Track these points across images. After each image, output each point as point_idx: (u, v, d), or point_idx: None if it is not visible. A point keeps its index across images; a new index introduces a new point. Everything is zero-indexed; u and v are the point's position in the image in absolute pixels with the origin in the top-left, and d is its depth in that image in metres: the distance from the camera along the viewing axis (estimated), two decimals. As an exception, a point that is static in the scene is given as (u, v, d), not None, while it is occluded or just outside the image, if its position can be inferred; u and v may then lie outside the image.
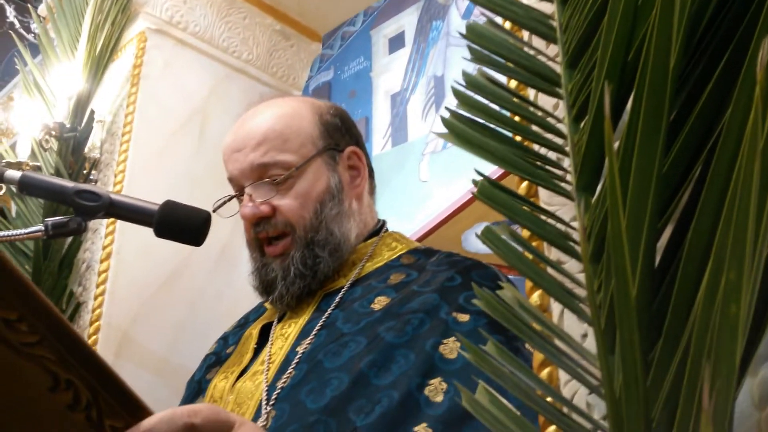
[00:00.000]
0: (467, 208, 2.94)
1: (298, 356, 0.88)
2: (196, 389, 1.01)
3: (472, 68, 0.61)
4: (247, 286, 1.64)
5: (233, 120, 1.76)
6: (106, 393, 0.42)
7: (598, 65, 0.51)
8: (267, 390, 0.87)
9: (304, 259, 0.95)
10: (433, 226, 2.99)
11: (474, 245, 2.93)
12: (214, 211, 1.05)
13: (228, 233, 1.62)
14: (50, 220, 0.95)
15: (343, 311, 0.92)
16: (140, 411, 0.43)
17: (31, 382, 0.42)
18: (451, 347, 0.80)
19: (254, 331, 1.02)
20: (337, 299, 0.95)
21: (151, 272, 1.47)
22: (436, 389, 0.76)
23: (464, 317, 0.83)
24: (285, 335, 0.95)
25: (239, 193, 1.01)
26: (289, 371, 0.87)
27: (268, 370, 0.90)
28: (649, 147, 0.40)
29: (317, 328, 0.91)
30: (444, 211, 3.13)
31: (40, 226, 0.96)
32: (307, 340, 0.90)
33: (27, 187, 0.98)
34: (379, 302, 0.90)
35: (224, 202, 1.05)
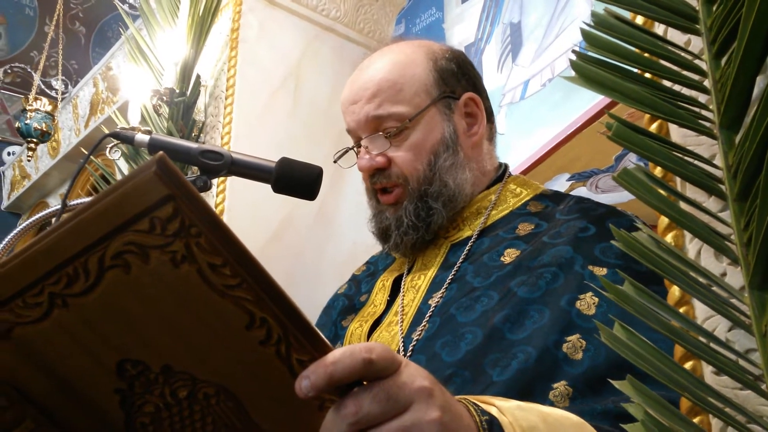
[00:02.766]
0: (547, 160, 2.88)
1: (430, 309, 0.88)
2: (333, 333, 1.03)
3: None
4: (345, 241, 1.70)
5: (325, 80, 1.80)
6: (295, 330, 0.46)
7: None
8: (403, 341, 0.87)
9: (417, 211, 0.95)
10: (513, 179, 2.95)
11: (555, 198, 2.89)
12: (334, 161, 1.06)
13: (324, 192, 1.68)
14: (178, 179, 1.01)
15: (472, 264, 0.91)
16: (324, 346, 0.47)
17: (230, 320, 0.46)
18: (588, 303, 0.77)
19: (386, 282, 1.02)
20: (465, 251, 0.94)
21: (259, 228, 1.56)
22: (574, 346, 0.74)
23: (601, 270, 0.80)
24: (416, 287, 0.95)
25: (357, 144, 1.01)
26: (423, 324, 0.86)
27: (402, 322, 0.90)
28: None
29: (448, 281, 0.91)
30: (523, 163, 3.08)
31: (170, 185, 1.02)
32: (439, 294, 0.90)
33: (156, 149, 1.03)
34: (509, 255, 0.88)
35: (343, 153, 1.05)
